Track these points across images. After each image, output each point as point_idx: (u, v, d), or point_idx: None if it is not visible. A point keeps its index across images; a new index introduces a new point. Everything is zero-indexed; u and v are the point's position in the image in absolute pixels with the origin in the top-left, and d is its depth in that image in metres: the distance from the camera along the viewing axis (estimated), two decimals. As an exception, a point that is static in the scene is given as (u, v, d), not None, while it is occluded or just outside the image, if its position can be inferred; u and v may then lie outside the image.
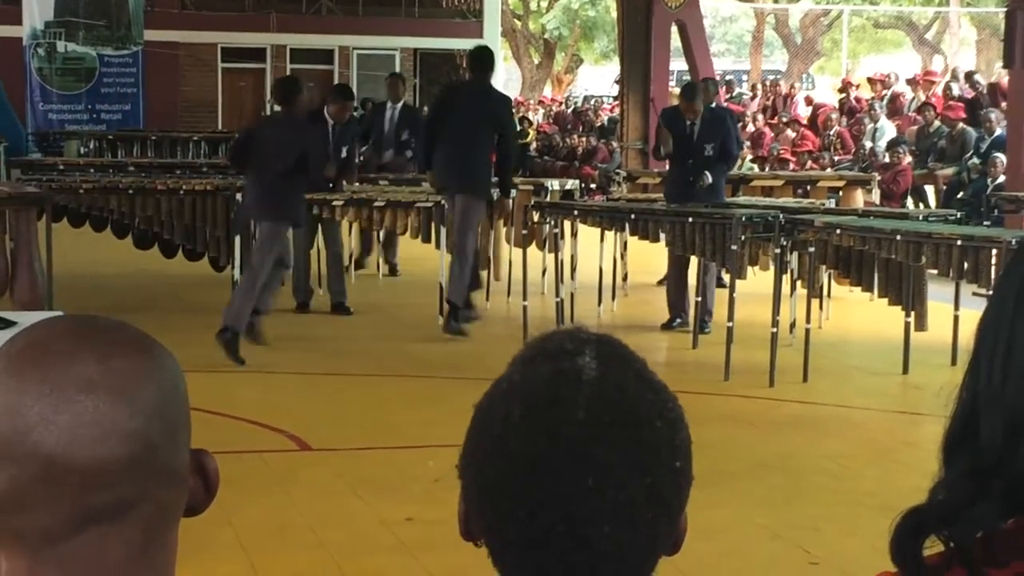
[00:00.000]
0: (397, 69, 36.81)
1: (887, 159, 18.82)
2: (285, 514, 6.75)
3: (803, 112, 26.28)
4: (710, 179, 12.13)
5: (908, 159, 18.88)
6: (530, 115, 34.40)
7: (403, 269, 15.59)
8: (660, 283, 13.47)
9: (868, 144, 20.90)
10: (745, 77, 40.04)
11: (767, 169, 20.53)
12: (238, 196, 12.60)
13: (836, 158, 21.52)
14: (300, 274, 12.97)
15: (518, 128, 16.30)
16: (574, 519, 1.33)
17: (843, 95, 26.12)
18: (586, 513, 1.33)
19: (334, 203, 12.44)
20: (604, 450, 1.34)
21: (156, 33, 33.13)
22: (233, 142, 11.23)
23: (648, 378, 1.40)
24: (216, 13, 34.61)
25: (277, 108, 11.36)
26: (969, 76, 22.24)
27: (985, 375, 1.47)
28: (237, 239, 12.45)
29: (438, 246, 12.37)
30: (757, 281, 11.46)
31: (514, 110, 12.89)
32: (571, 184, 15.66)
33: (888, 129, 21.21)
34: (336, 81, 31.09)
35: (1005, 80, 20.07)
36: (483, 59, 12.27)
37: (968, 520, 1.42)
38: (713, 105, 13.29)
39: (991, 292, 1.54)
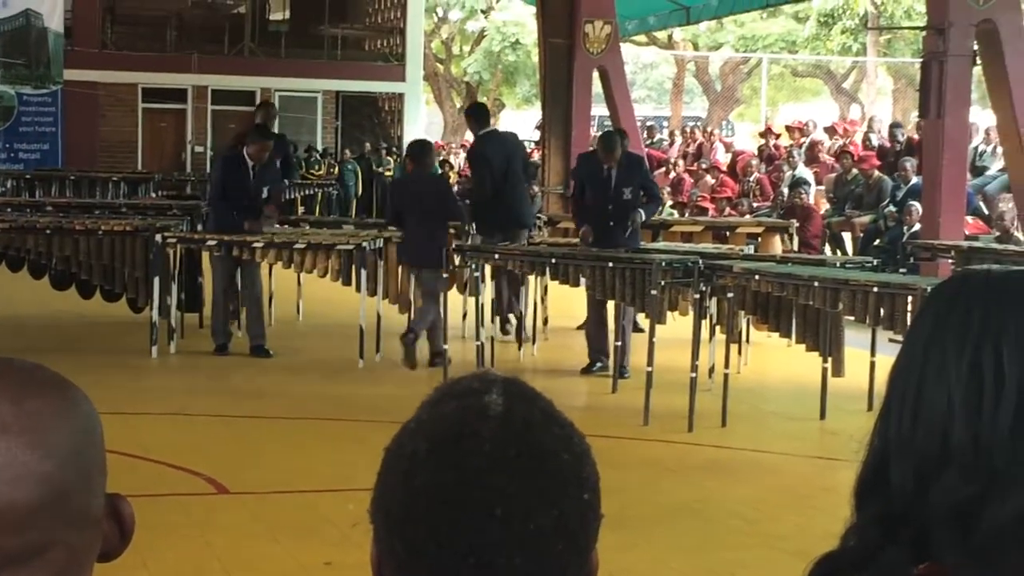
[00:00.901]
0: (319, 111, 36.88)
1: (790, 200, 19.04)
2: (201, 557, 6.69)
3: (723, 159, 26.46)
4: (643, 216, 12.23)
5: (825, 206, 19.06)
6: (451, 159, 34.40)
7: (320, 311, 15.25)
8: (580, 328, 13.50)
9: (786, 191, 21.08)
10: (666, 123, 40.33)
11: (687, 215, 20.65)
12: (157, 237, 12.52)
13: (755, 205, 21.69)
14: (219, 316, 12.87)
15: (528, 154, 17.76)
16: (483, 551, 1.34)
17: (763, 142, 26.35)
18: (495, 544, 1.34)
19: (254, 245, 12.38)
20: (511, 481, 1.35)
21: (76, 72, 32.90)
22: (388, 210, 13.21)
23: (554, 415, 1.42)
24: (137, 53, 34.43)
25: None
26: (891, 128, 22.53)
27: (895, 422, 1.49)
28: (156, 280, 12.36)
29: (359, 289, 12.34)
30: (676, 326, 11.51)
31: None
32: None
33: (806, 176, 21.41)
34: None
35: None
36: (476, 115, 14.16)
37: (878, 566, 1.43)
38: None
39: (902, 340, 1.57)
